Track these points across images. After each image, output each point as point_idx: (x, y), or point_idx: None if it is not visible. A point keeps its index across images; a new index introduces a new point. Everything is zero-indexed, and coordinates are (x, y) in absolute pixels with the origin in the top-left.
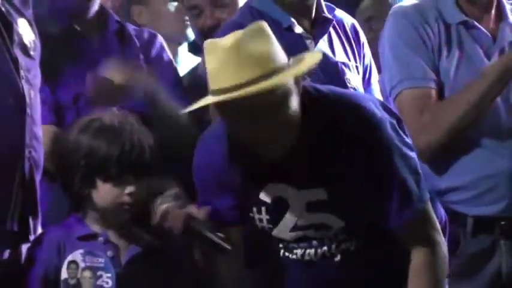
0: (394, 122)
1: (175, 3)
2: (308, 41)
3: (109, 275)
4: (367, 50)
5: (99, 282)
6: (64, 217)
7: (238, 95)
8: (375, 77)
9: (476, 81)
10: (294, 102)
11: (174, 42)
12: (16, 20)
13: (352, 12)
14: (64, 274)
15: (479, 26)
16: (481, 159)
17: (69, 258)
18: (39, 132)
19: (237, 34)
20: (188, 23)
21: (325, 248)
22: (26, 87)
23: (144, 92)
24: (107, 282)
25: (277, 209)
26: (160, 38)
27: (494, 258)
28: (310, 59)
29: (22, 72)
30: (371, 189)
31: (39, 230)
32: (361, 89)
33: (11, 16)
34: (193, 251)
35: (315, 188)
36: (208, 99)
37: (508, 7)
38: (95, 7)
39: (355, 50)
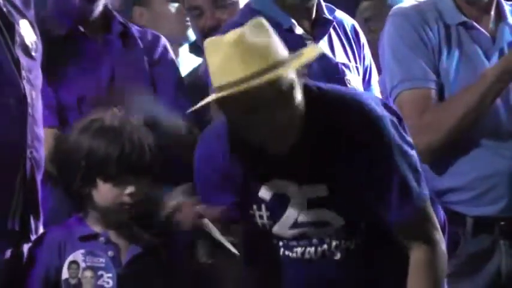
0: (395, 119)
1: (176, 4)
2: (308, 42)
3: (110, 275)
4: (367, 51)
5: (100, 282)
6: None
7: (248, 86)
8: (374, 77)
9: (476, 82)
10: (298, 95)
11: (175, 43)
12: (18, 21)
13: (352, 13)
14: (65, 274)
15: (479, 26)
16: (481, 160)
17: (70, 258)
18: (41, 132)
19: (239, 30)
20: (189, 24)
21: (325, 246)
22: (27, 87)
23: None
24: (108, 282)
25: (278, 205)
26: (164, 40)
27: (494, 258)
28: (311, 52)
29: (24, 73)
30: (371, 186)
31: (41, 230)
32: (361, 90)
33: (12, 17)
34: (195, 250)
35: (316, 184)
36: (216, 95)
37: (507, 8)
38: (99, 8)
39: (355, 51)
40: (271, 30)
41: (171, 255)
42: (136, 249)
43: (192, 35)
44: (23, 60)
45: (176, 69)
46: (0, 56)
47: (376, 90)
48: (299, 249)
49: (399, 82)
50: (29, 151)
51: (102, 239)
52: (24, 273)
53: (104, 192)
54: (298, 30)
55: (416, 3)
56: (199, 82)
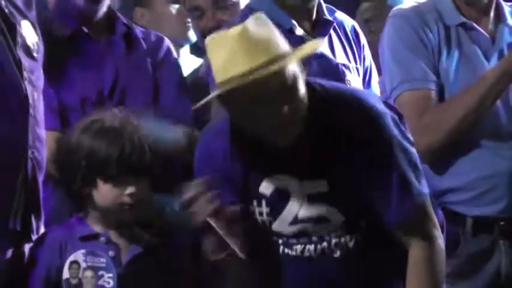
0: (395, 116)
1: (177, 6)
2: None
3: (110, 274)
4: (367, 51)
5: (100, 282)
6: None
7: (255, 77)
8: (375, 78)
9: (476, 84)
10: (302, 88)
11: (176, 45)
12: (19, 22)
13: (352, 14)
14: (66, 274)
15: (478, 27)
16: (481, 160)
17: (71, 258)
18: (42, 133)
19: (241, 25)
20: (190, 25)
21: (324, 244)
22: (29, 88)
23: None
24: (108, 282)
25: (278, 201)
26: (167, 41)
27: (494, 258)
28: (313, 45)
29: (25, 74)
30: (372, 182)
31: (42, 230)
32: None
33: (14, 18)
34: (202, 245)
35: (317, 179)
36: (223, 88)
37: (506, 9)
38: (103, 9)
39: (356, 51)
40: (272, 24)
41: (171, 255)
42: (137, 249)
43: (192, 36)
44: (25, 61)
45: (179, 70)
46: (1, 57)
47: (376, 91)
48: (299, 247)
49: (399, 83)
50: (30, 151)
51: (102, 239)
52: (25, 273)
53: (104, 193)
54: (299, 31)
55: (416, 4)
56: (200, 83)
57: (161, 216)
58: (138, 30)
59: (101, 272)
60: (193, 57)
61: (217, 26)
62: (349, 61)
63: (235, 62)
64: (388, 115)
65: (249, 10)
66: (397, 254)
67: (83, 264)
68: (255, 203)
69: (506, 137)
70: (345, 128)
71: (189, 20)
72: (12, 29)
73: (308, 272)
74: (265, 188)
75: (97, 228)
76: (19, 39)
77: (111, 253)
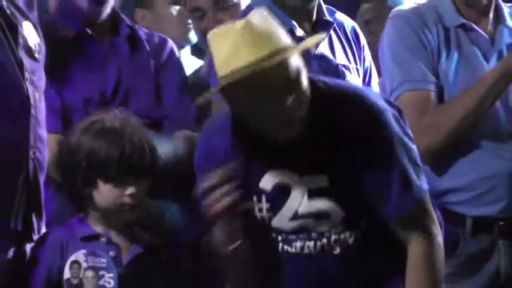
0: (396, 113)
1: (178, 7)
2: None
3: (111, 275)
4: (367, 52)
5: (101, 282)
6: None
7: (261, 67)
8: (374, 79)
9: (475, 85)
10: (305, 81)
11: (177, 46)
12: (21, 23)
13: (352, 15)
14: (67, 274)
15: (478, 28)
16: (481, 161)
17: (72, 258)
18: (44, 133)
19: (244, 19)
20: (190, 26)
21: (324, 240)
22: (30, 89)
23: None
24: (109, 282)
25: (278, 196)
26: (170, 42)
27: (493, 258)
28: (315, 38)
29: (27, 75)
30: (372, 178)
31: (43, 230)
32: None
33: (16, 19)
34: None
35: (318, 174)
36: (228, 80)
37: (506, 10)
38: (107, 11)
39: (356, 52)
40: (273, 18)
41: (171, 255)
42: (137, 250)
43: (193, 37)
44: (26, 62)
45: (182, 71)
46: (3, 58)
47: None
48: (298, 244)
49: (399, 84)
50: (31, 152)
51: (103, 239)
52: (26, 273)
53: (104, 193)
54: (299, 32)
55: (415, 5)
56: (200, 84)
57: (161, 223)
58: (142, 32)
59: (101, 272)
60: (193, 58)
61: None
62: (349, 62)
63: (239, 54)
64: (389, 112)
65: (250, 10)
66: (397, 251)
67: (84, 264)
68: (254, 198)
69: (506, 138)
70: (347, 124)
71: (190, 21)
72: (14, 30)
73: (307, 269)
74: (266, 183)
75: (98, 228)
76: (21, 40)
77: (111, 253)
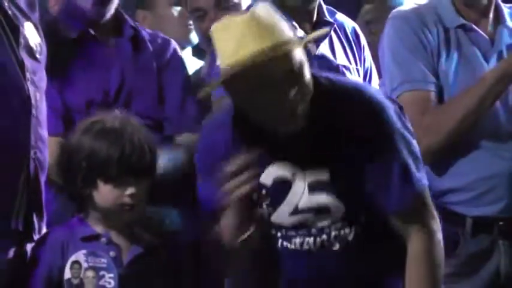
0: (397, 108)
1: (179, 8)
2: (309, 45)
3: (111, 275)
4: (367, 53)
5: (101, 282)
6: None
7: (267, 57)
8: (375, 79)
9: (475, 85)
10: (308, 74)
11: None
12: (22, 24)
13: (353, 16)
14: (67, 274)
15: (478, 29)
16: (481, 161)
17: (73, 258)
18: (45, 133)
19: (250, 11)
20: (192, 27)
21: (324, 236)
22: (31, 89)
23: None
24: (109, 283)
25: (279, 191)
26: (173, 43)
27: (493, 258)
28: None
29: (28, 75)
30: (373, 171)
31: (44, 231)
32: None
33: (17, 19)
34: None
35: (319, 168)
36: (233, 69)
37: (506, 11)
38: (111, 12)
39: (356, 53)
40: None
41: (171, 255)
42: (138, 250)
43: (194, 38)
44: (28, 62)
45: (185, 72)
46: (4, 58)
47: None
48: (298, 240)
49: (399, 84)
50: (32, 152)
51: (103, 239)
52: (27, 273)
53: (104, 193)
54: (299, 33)
55: (415, 6)
56: (201, 84)
57: (161, 228)
58: (145, 32)
59: (102, 273)
60: (194, 59)
61: None
62: (350, 62)
63: (245, 45)
64: (390, 106)
65: None
66: (396, 247)
67: (85, 265)
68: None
69: (506, 138)
70: (348, 118)
71: (191, 22)
72: (15, 30)
73: (307, 266)
74: (266, 178)
75: (98, 228)
76: (22, 41)
77: (112, 253)
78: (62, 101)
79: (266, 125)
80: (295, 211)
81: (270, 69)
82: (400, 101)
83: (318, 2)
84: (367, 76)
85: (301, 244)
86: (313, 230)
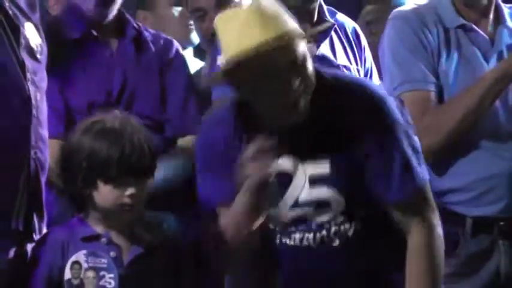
0: (398, 103)
1: (179, 8)
2: (310, 45)
3: (112, 275)
4: (368, 53)
5: (101, 282)
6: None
7: (277, 44)
8: (375, 80)
9: (475, 84)
10: (310, 66)
11: None
12: (23, 24)
13: (354, 17)
14: (67, 274)
15: (478, 29)
16: (481, 161)
17: (73, 258)
18: (45, 133)
19: (253, 1)
20: (192, 27)
21: (324, 232)
22: (32, 89)
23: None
24: (110, 283)
25: (279, 183)
26: (176, 44)
27: (493, 258)
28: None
29: (28, 75)
30: (374, 162)
31: (45, 231)
32: None
33: (18, 20)
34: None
35: (320, 160)
36: (239, 57)
37: (506, 11)
38: (113, 13)
39: (357, 53)
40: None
41: (171, 255)
42: (138, 250)
43: (195, 38)
44: (28, 62)
45: (187, 72)
46: (5, 58)
47: None
48: (297, 236)
49: (399, 84)
50: (33, 152)
51: (104, 239)
52: (27, 273)
53: (104, 194)
54: None
55: (416, 6)
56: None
57: (159, 233)
58: (148, 33)
59: (102, 273)
60: (195, 59)
61: None
62: (350, 63)
63: (249, 35)
64: (392, 99)
65: None
66: (396, 243)
67: (85, 265)
68: None
69: (506, 138)
70: (350, 112)
71: (192, 22)
72: (16, 31)
73: (307, 262)
74: None
75: (98, 229)
76: (22, 41)
77: (112, 254)
78: (64, 102)
79: (268, 116)
80: (296, 204)
81: (273, 59)
82: None
83: (318, 2)
84: (367, 76)
85: (301, 240)
86: (313, 226)
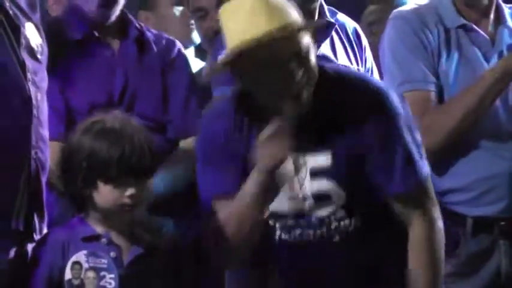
0: (400, 99)
1: (181, 8)
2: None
3: (112, 275)
4: (368, 53)
5: (102, 282)
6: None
7: (282, 34)
8: None
9: (475, 84)
10: (314, 59)
11: None
12: (23, 24)
13: (354, 17)
14: (68, 274)
15: (478, 29)
16: (481, 161)
17: (73, 258)
18: (46, 133)
19: None
20: (193, 27)
21: (324, 228)
22: (32, 89)
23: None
24: (110, 283)
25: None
26: (178, 44)
27: (494, 258)
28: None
29: (29, 75)
30: (376, 154)
31: (45, 231)
32: None
33: (18, 20)
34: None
35: (321, 152)
36: (246, 45)
37: (506, 11)
38: (116, 14)
39: (357, 53)
40: None
41: (171, 255)
42: (138, 250)
43: (196, 38)
44: (29, 62)
45: (189, 72)
46: (5, 58)
47: None
48: (297, 231)
49: (399, 84)
50: (33, 152)
51: (104, 240)
52: (28, 273)
53: (104, 194)
54: None
55: (416, 6)
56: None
57: (159, 237)
58: (150, 34)
59: (102, 273)
60: (196, 59)
61: None
62: (351, 63)
63: (253, 25)
64: (395, 93)
65: None
66: (396, 238)
67: (85, 265)
68: None
69: (506, 138)
70: (352, 104)
71: (193, 22)
72: (17, 31)
73: (307, 258)
74: None
75: (98, 229)
76: (23, 41)
77: (112, 254)
78: (64, 102)
79: (270, 108)
80: (296, 197)
81: (277, 50)
82: None
83: (319, 2)
84: None
85: (301, 236)
86: (313, 221)
